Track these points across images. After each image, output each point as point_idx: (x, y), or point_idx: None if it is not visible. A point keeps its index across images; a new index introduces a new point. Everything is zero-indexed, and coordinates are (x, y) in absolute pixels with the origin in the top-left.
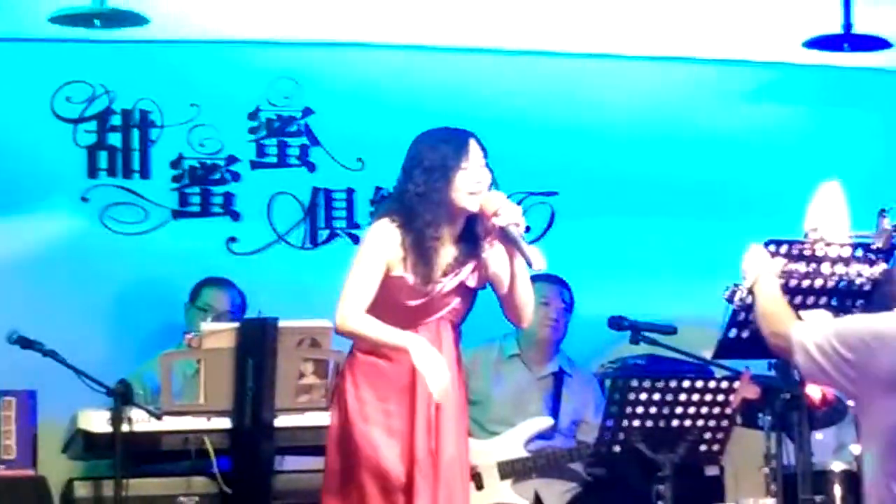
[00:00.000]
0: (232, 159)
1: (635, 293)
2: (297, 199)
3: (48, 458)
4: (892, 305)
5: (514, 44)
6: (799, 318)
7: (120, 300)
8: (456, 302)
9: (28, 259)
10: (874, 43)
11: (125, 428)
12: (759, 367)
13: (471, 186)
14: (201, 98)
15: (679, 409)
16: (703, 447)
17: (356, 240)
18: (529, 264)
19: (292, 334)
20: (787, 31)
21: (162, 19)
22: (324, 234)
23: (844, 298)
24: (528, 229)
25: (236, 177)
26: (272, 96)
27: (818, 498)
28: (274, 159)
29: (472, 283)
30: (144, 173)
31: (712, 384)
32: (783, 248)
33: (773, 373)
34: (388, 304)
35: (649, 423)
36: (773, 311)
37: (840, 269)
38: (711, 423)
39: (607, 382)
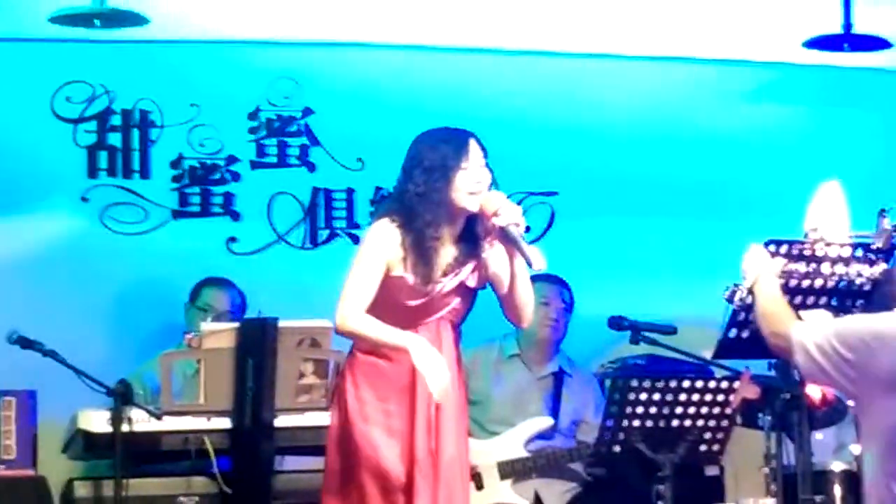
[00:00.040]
0: (232, 159)
1: (635, 293)
2: (297, 199)
3: (48, 458)
4: (892, 305)
5: (514, 44)
6: (799, 318)
7: (120, 300)
8: (456, 302)
9: (28, 259)
10: (874, 43)
11: (125, 428)
12: (759, 367)
13: (471, 186)
14: (201, 98)
15: (679, 409)
16: (703, 447)
17: (356, 240)
18: (529, 264)
19: (292, 334)
20: (787, 32)
21: (162, 19)
22: (324, 234)
23: (844, 298)
24: (528, 229)
25: (236, 177)
26: (272, 96)
27: (818, 498)
28: (274, 159)
29: (472, 283)
30: (144, 173)
31: (712, 384)
32: (783, 248)
33: (773, 373)
34: (388, 304)
35: (649, 423)
36: (773, 311)
37: (840, 269)
38: (711, 423)
39: (607, 382)
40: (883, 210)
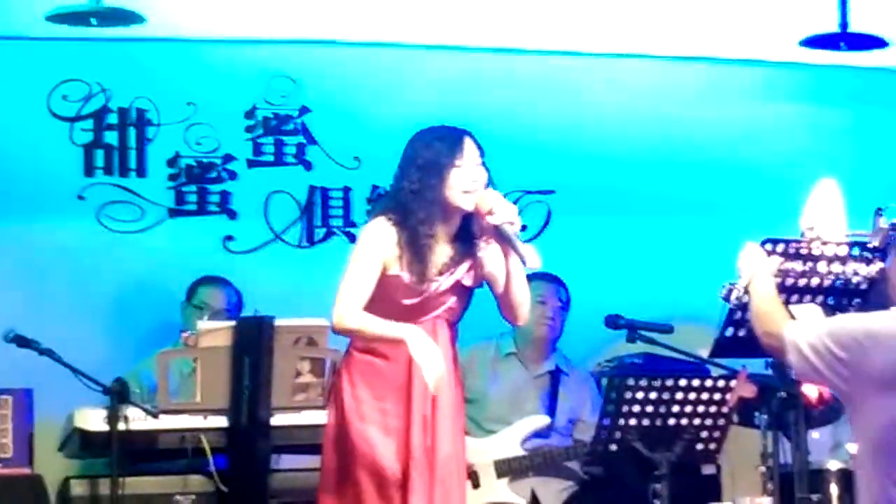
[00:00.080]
0: (228, 158)
1: (632, 292)
2: (294, 197)
3: (45, 457)
4: (888, 304)
5: (511, 42)
6: (792, 317)
7: (116, 298)
8: (452, 301)
9: (24, 257)
10: (871, 42)
11: (122, 426)
12: (756, 365)
13: (465, 185)
14: (198, 96)
15: (676, 408)
16: (699, 446)
17: (353, 238)
18: (524, 262)
19: (289, 333)
20: (783, 31)
21: (158, 18)
22: (320, 232)
23: (841, 297)
24: (524, 228)
25: (233, 175)
26: (269, 95)
27: (815, 497)
28: (270, 158)
29: (468, 281)
30: (141, 172)
31: (709, 383)
32: (780, 247)
33: (769, 371)
34: (385, 302)
35: (646, 422)
36: (767, 310)
37: (837, 267)
38: (708, 421)
39: (604, 381)
40: (879, 209)
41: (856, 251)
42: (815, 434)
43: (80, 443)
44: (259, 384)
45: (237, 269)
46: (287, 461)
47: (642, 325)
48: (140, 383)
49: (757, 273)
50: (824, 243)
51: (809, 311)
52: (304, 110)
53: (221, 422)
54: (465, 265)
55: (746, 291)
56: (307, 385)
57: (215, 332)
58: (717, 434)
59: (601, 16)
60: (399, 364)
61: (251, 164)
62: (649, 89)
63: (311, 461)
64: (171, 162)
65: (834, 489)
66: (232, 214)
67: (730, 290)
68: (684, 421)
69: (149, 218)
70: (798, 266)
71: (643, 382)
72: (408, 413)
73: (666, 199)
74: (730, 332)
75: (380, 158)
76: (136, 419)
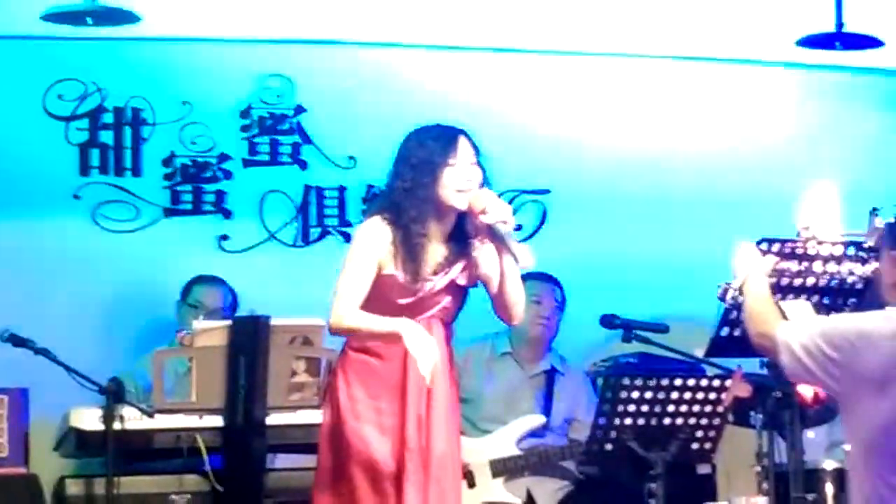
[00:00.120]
0: (224, 157)
1: (627, 291)
2: (289, 197)
3: (40, 456)
4: (883, 304)
5: (506, 42)
6: (785, 318)
7: (112, 298)
8: (447, 300)
9: (20, 256)
10: (866, 42)
11: (117, 426)
12: (752, 365)
13: (459, 184)
14: (193, 96)
15: (671, 408)
16: (694, 445)
17: (348, 238)
18: (517, 262)
19: (284, 332)
20: (779, 31)
21: (154, 17)
22: (315, 232)
23: (836, 297)
24: (518, 227)
25: (228, 175)
26: (264, 94)
27: (810, 496)
28: (266, 157)
29: (462, 281)
30: (136, 171)
31: (704, 382)
32: (775, 247)
33: (765, 371)
34: (380, 302)
35: (641, 422)
36: (760, 311)
37: (832, 267)
38: (703, 421)
39: (599, 381)
40: (875, 209)
41: (851, 251)
42: (810, 433)
43: (76, 442)
44: (254, 383)
45: (232, 269)
46: (282, 460)
47: (638, 324)
48: (135, 383)
49: (751, 273)
50: (820, 243)
51: (799, 308)
52: (299, 110)
53: (217, 421)
54: (460, 265)
55: (741, 291)
56: (303, 384)
57: (211, 332)
58: (712, 434)
59: (599, 16)
60: (394, 363)
61: (246, 163)
62: (647, 89)
63: (307, 460)
64: (167, 161)
65: (829, 488)
66: (227, 214)
67: (725, 290)
68: (680, 420)
69: (144, 217)
70: (794, 266)
71: (638, 382)
72: (402, 412)
73: (662, 199)
74: (725, 331)
75: (375, 158)
76: (132, 418)
